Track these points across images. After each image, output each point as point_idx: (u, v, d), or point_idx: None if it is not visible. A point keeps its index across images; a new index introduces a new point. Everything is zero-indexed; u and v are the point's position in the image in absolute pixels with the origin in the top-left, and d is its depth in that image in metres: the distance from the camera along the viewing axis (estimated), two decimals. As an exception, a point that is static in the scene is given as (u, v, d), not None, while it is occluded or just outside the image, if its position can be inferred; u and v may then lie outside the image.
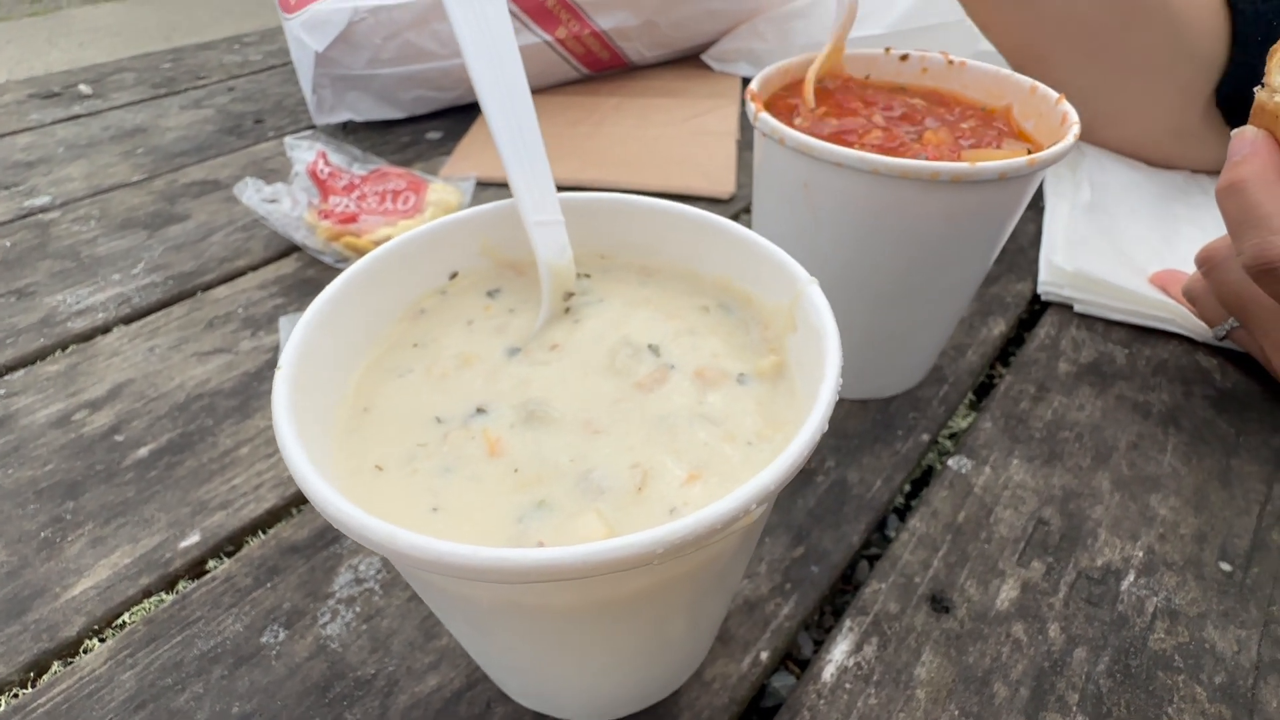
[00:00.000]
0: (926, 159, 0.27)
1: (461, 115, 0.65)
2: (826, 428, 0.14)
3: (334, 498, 0.12)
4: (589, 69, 0.67)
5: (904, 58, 0.35)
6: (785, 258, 0.19)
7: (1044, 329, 0.41)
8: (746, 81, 0.69)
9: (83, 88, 0.73)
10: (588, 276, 0.23)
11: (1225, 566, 0.29)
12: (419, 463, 0.17)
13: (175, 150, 0.61)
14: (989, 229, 0.28)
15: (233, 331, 0.40)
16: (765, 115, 0.28)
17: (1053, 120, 0.29)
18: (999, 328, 0.41)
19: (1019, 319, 0.42)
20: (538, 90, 0.67)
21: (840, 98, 0.33)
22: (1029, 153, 0.30)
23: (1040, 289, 0.42)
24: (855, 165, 0.25)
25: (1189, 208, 0.50)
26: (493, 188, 0.54)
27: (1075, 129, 0.27)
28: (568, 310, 0.22)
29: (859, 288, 0.30)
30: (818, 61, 0.33)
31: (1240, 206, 0.29)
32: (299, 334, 0.17)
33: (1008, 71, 0.32)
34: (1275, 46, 0.29)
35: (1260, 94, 0.29)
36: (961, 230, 0.27)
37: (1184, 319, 0.39)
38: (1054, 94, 0.30)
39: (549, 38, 0.62)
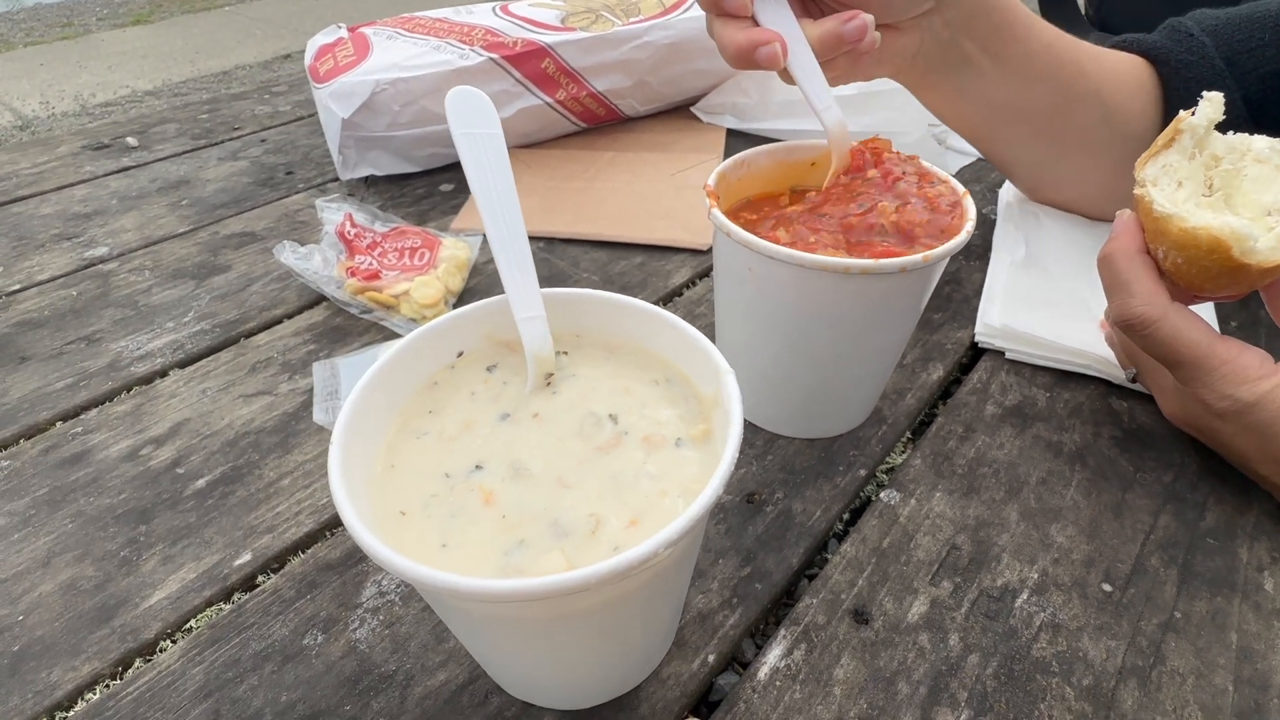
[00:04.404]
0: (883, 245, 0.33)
1: (471, 167, 0.71)
2: (721, 494, 0.20)
3: (374, 543, 0.18)
4: (586, 123, 0.74)
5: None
6: (711, 349, 0.25)
7: (978, 374, 0.46)
8: (731, 132, 0.75)
9: (129, 140, 0.81)
10: (565, 354, 0.29)
11: (1106, 587, 0.34)
12: (432, 509, 0.23)
13: (216, 202, 0.68)
14: (900, 308, 0.34)
15: (272, 375, 0.47)
16: (716, 211, 0.34)
17: (960, 210, 0.35)
18: (937, 373, 0.46)
19: (959, 363, 0.48)
20: (540, 144, 0.73)
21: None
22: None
23: (977, 337, 0.48)
24: (784, 259, 0.31)
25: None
26: (497, 239, 0.60)
27: (970, 225, 0.33)
28: (548, 384, 0.28)
29: (798, 351, 0.36)
30: (827, 179, 0.38)
31: (1110, 274, 0.35)
32: (346, 412, 0.23)
33: (926, 164, 0.38)
34: (1144, 155, 0.35)
35: (1135, 189, 0.35)
36: (876, 309, 0.33)
37: (1101, 364, 0.45)
38: (960, 188, 0.36)
39: (550, 100, 0.68)
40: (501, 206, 0.28)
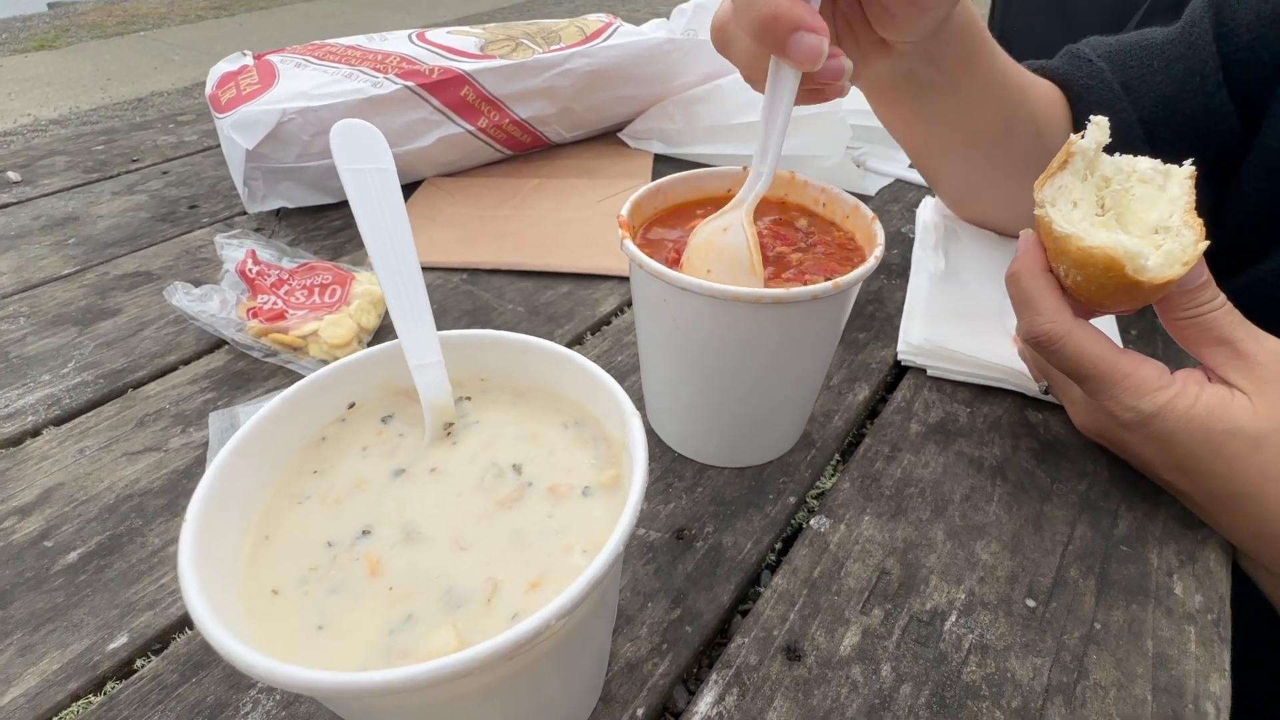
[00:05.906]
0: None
1: (391, 197, 0.69)
2: (622, 550, 0.19)
3: (223, 637, 0.16)
4: (512, 150, 0.73)
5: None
6: (618, 391, 0.24)
7: (901, 393, 0.47)
8: (658, 157, 0.76)
9: (11, 174, 0.74)
10: (469, 399, 0.27)
11: (1030, 603, 0.34)
12: (310, 585, 0.21)
13: (107, 240, 0.63)
14: (816, 334, 0.33)
15: (163, 429, 0.43)
16: (629, 243, 0.33)
17: (870, 234, 0.36)
18: (863, 393, 0.46)
19: (884, 382, 0.48)
20: (463, 172, 0.71)
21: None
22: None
23: (899, 355, 0.49)
24: (697, 290, 0.30)
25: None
26: (418, 272, 0.58)
27: (879, 250, 0.33)
28: (448, 434, 0.26)
29: (719, 381, 0.35)
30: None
31: (1017, 292, 0.36)
32: (207, 481, 0.21)
33: (836, 190, 0.38)
34: (1041, 176, 0.36)
35: (1036, 210, 0.36)
36: (792, 337, 0.33)
37: (1016, 378, 0.46)
38: (869, 213, 0.36)
39: (471, 127, 0.67)
40: (394, 247, 0.27)
